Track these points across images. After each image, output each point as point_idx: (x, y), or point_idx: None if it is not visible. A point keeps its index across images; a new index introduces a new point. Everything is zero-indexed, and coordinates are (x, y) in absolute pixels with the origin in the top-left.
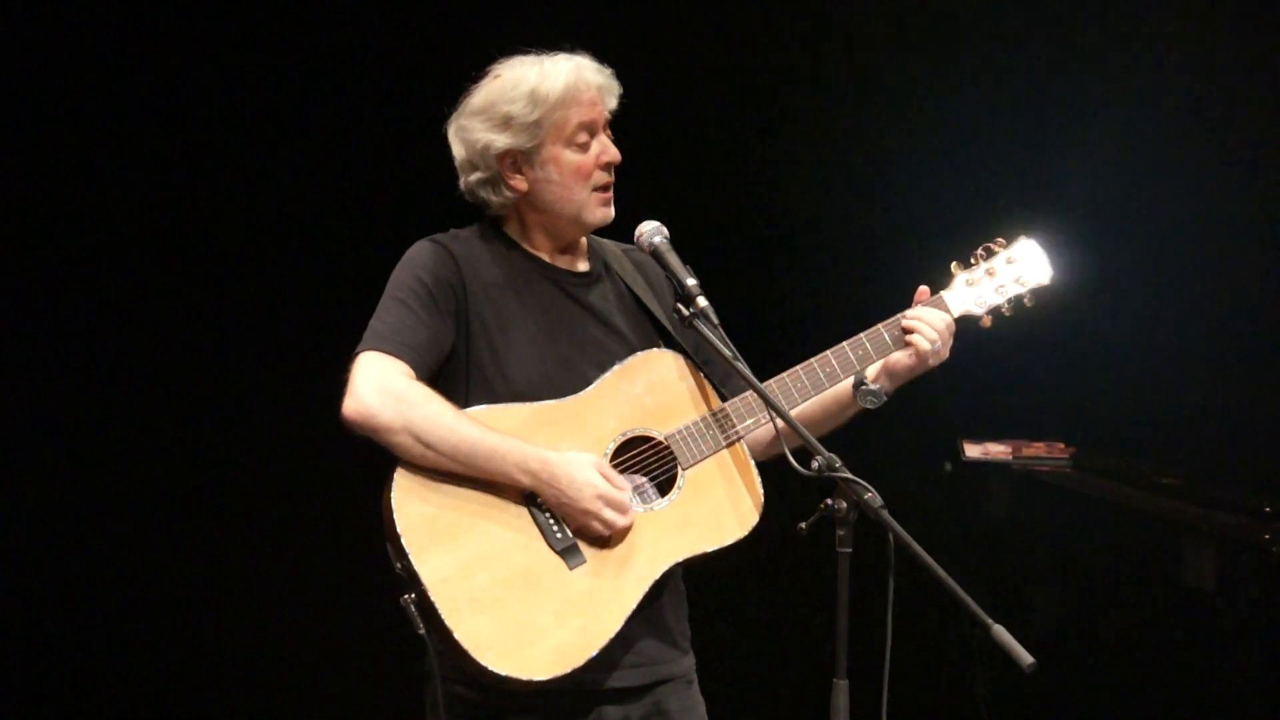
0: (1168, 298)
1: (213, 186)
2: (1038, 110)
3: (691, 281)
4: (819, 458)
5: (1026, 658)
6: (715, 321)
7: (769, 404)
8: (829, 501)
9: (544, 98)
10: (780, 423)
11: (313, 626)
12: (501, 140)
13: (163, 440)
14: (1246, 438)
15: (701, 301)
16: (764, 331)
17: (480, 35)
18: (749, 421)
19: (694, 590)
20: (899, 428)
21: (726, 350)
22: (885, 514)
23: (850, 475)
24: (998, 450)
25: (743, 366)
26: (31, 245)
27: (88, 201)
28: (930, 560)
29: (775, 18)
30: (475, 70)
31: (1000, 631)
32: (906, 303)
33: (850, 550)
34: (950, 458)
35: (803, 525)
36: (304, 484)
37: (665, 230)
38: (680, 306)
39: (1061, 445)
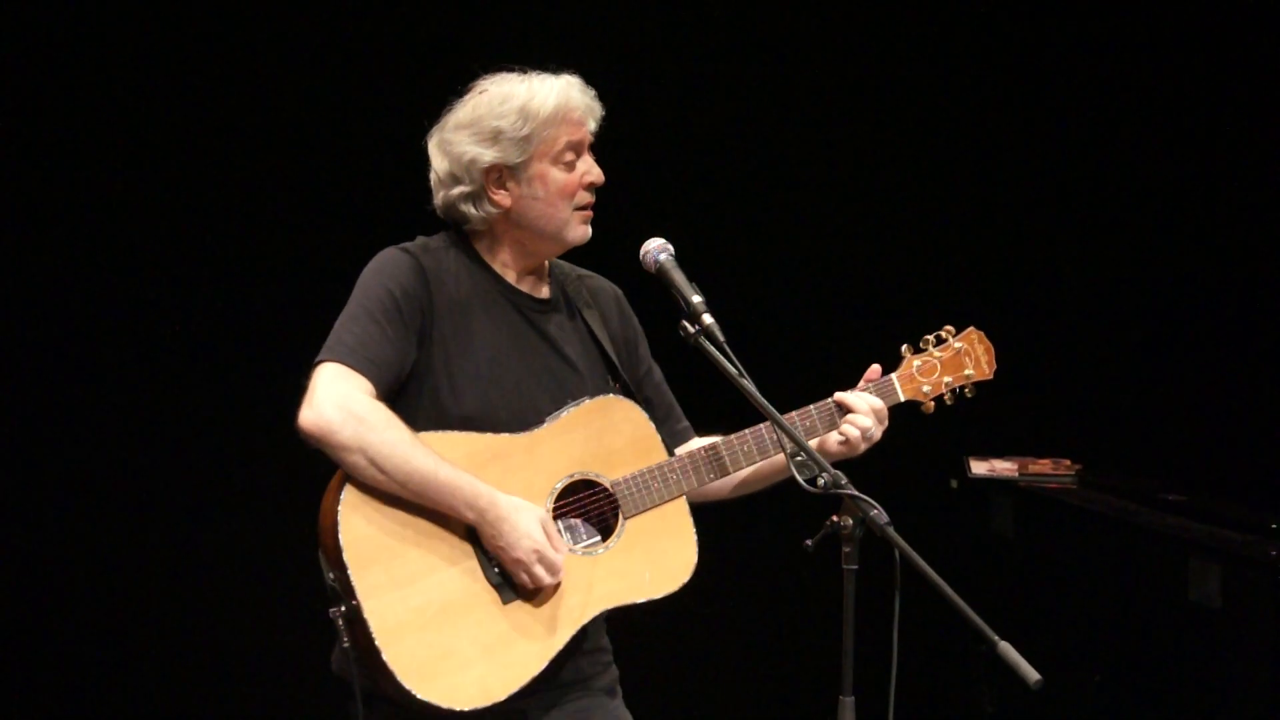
0: (1173, 314)
1: (195, 189)
2: (1042, 121)
3: (697, 299)
4: (825, 475)
5: (1032, 674)
6: (721, 339)
7: (775, 421)
8: (835, 518)
9: (534, 114)
10: (780, 447)
11: (298, 628)
12: (489, 154)
13: (150, 440)
14: (1253, 454)
15: (707, 319)
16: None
17: (462, 49)
18: (695, 477)
19: (699, 607)
20: (904, 445)
21: (732, 368)
22: (891, 531)
23: (856, 492)
24: (1003, 467)
25: (749, 384)
26: (29, 246)
27: (75, 204)
28: (936, 577)
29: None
30: (457, 85)
31: (1006, 648)
32: (857, 377)
33: (856, 567)
34: (956, 474)
35: (809, 542)
36: (284, 486)
37: (671, 247)
38: (686, 324)
39: (1067, 462)
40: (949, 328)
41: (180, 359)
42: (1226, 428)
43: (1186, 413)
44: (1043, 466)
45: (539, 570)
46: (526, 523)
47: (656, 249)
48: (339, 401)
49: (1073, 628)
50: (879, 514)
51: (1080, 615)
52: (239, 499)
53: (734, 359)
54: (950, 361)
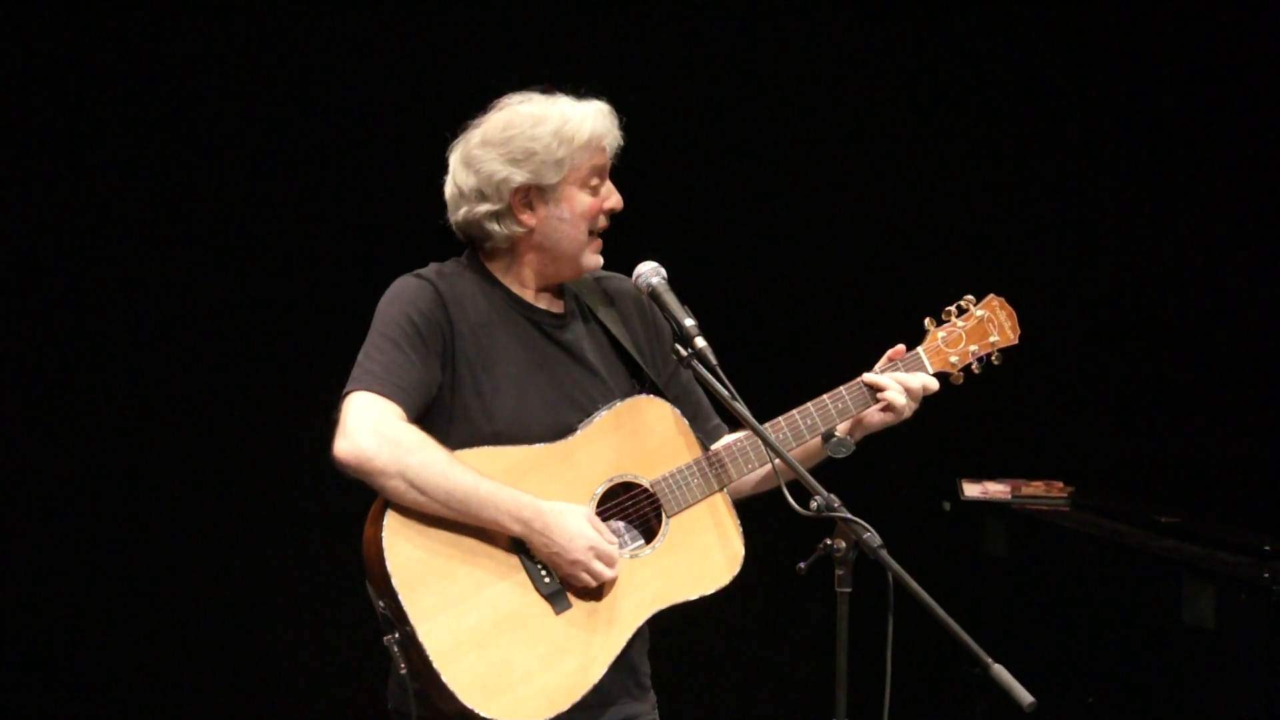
0: (1165, 336)
1: (204, 199)
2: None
3: (690, 322)
4: (818, 498)
5: (1026, 697)
6: (713, 362)
7: (768, 444)
8: (828, 541)
9: (569, 138)
10: (778, 463)
11: (299, 641)
12: (520, 175)
13: (152, 450)
14: (1245, 476)
15: (700, 342)
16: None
17: (465, 69)
18: (734, 469)
19: (693, 631)
20: (897, 467)
21: (724, 390)
22: (884, 553)
23: (849, 515)
24: (996, 489)
25: (741, 407)
26: (31, 248)
27: (86, 209)
28: (929, 599)
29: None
30: (468, 103)
31: (1000, 671)
32: (877, 356)
33: (849, 590)
34: (949, 497)
35: (802, 565)
36: (290, 496)
37: (663, 270)
38: (679, 347)
39: (1060, 484)
40: (969, 297)
41: (203, 376)
42: (1219, 450)
43: (1179, 435)
44: (1035, 489)
45: (598, 566)
46: (576, 523)
47: (649, 272)
48: (372, 428)
49: (1066, 650)
50: (872, 536)
51: (1074, 637)
52: (249, 513)
53: (727, 382)
54: (974, 330)
